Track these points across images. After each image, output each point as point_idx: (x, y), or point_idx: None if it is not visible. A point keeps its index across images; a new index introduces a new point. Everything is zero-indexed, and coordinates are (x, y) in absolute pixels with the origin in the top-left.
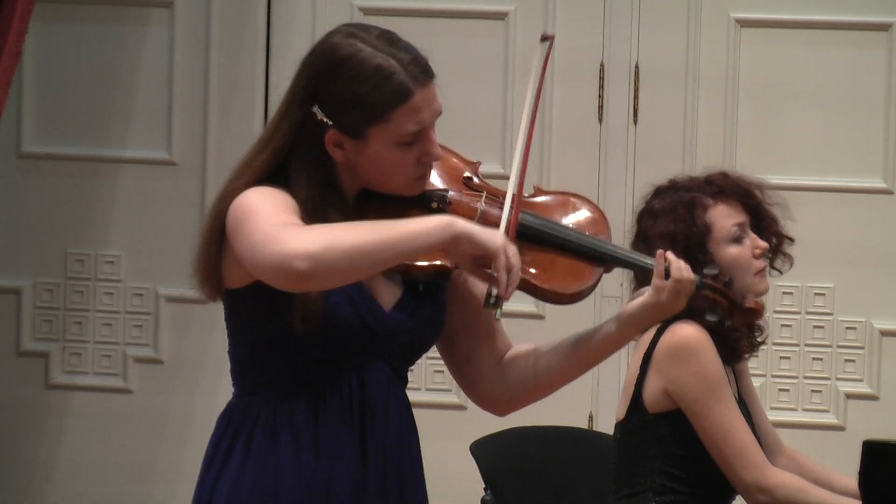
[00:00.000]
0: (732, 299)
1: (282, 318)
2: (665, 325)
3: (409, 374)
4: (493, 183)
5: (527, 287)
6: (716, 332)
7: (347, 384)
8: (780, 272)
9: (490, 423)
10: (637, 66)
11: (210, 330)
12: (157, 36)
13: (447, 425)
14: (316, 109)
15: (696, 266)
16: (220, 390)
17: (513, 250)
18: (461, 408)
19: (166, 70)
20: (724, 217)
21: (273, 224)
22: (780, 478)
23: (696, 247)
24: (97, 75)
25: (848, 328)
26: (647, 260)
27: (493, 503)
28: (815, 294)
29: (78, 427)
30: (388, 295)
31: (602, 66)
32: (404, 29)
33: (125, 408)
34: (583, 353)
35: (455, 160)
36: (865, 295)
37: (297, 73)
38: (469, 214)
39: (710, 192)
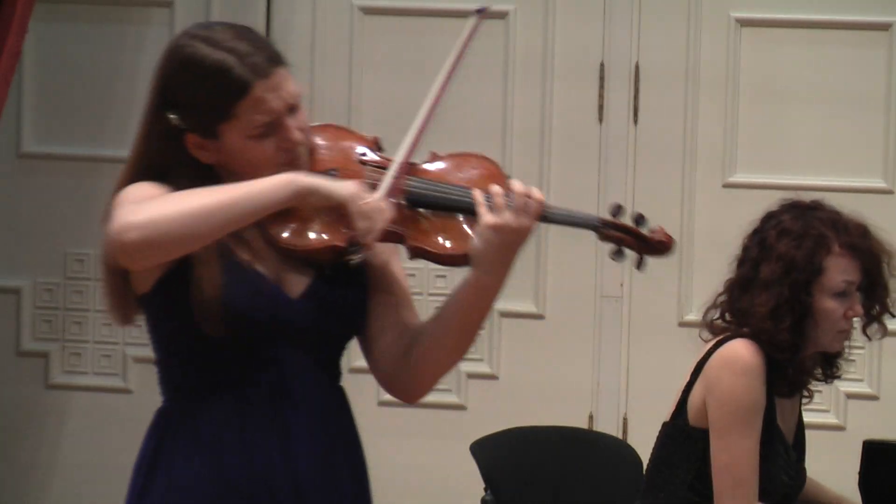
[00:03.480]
0: (637, 235)
1: (185, 318)
2: (725, 339)
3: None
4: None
5: (424, 254)
6: (779, 365)
7: (267, 378)
8: (870, 339)
9: (490, 423)
10: (637, 66)
11: None
12: (157, 36)
13: (447, 425)
14: (171, 115)
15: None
16: None
17: (374, 198)
18: (461, 408)
19: None
20: (839, 270)
21: (125, 206)
22: None
23: (804, 283)
24: (97, 75)
25: None
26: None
27: (493, 503)
28: None
29: (78, 427)
30: (296, 283)
31: (602, 66)
32: (404, 29)
33: (125, 408)
34: (455, 310)
35: (349, 138)
36: None
37: (152, 78)
38: None
39: (841, 241)
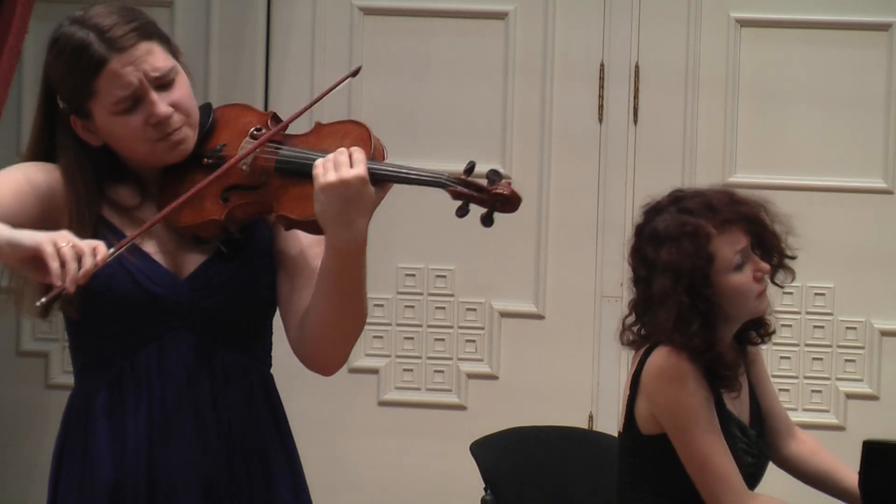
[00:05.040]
0: (480, 188)
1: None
2: (651, 347)
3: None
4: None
5: (288, 222)
6: (705, 361)
7: (145, 354)
8: (782, 287)
9: (490, 423)
10: (637, 66)
11: None
12: None
13: (447, 425)
14: (59, 100)
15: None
16: None
17: (80, 242)
18: (461, 408)
19: None
20: (727, 246)
21: None
22: (759, 501)
23: (700, 279)
24: None
25: (848, 328)
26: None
27: (493, 503)
28: (815, 294)
29: None
30: (190, 262)
31: (602, 66)
32: (404, 29)
33: None
34: (323, 274)
35: (247, 116)
36: (865, 295)
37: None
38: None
39: (715, 222)
